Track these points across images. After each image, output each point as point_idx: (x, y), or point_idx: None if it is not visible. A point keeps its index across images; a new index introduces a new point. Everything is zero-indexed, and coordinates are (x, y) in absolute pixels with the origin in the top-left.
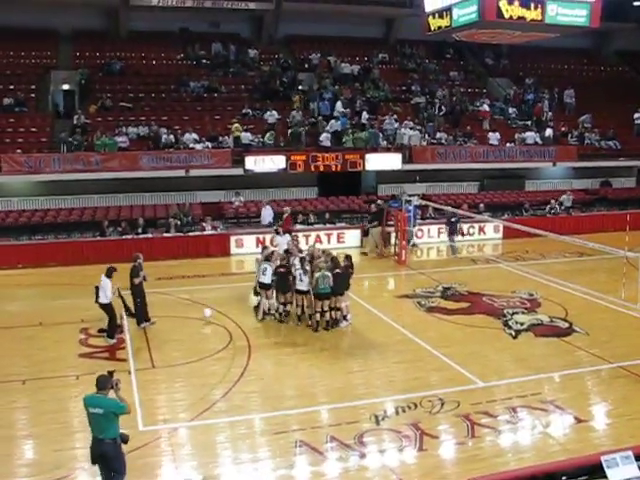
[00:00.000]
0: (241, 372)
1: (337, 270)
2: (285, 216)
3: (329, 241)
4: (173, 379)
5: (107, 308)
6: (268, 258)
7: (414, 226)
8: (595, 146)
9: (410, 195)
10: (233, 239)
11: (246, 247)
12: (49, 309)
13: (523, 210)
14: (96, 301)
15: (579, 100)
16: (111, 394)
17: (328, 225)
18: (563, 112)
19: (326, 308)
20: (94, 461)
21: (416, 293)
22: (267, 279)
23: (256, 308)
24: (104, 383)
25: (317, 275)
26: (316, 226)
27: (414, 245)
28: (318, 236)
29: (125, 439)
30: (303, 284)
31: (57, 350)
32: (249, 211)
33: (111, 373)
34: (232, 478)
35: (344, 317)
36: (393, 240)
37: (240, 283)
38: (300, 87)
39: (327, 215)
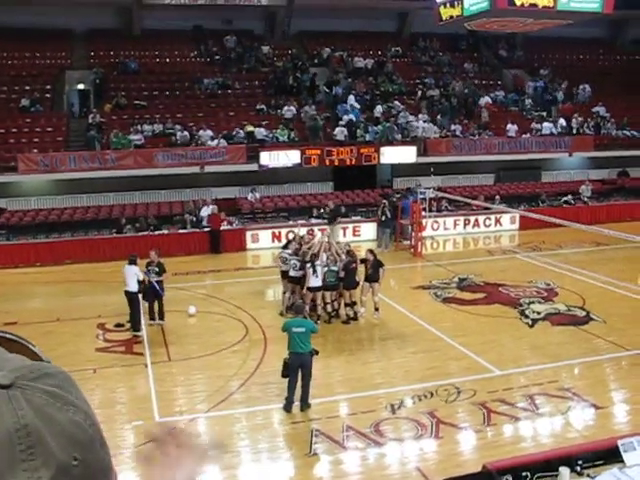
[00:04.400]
0: (257, 364)
1: (353, 264)
2: (210, 215)
3: (344, 234)
4: (189, 372)
5: (134, 297)
6: (297, 252)
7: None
8: (612, 136)
9: (426, 188)
10: (249, 234)
11: (262, 242)
12: (67, 305)
13: (539, 201)
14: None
15: (595, 90)
16: None
17: (343, 219)
18: (579, 102)
19: (333, 299)
20: (287, 373)
21: (432, 284)
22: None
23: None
24: (301, 308)
25: (325, 269)
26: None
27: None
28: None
29: (317, 352)
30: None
31: (75, 345)
32: (265, 206)
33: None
34: (249, 468)
35: (376, 309)
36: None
37: (256, 277)
38: (322, 85)
39: (342, 209)
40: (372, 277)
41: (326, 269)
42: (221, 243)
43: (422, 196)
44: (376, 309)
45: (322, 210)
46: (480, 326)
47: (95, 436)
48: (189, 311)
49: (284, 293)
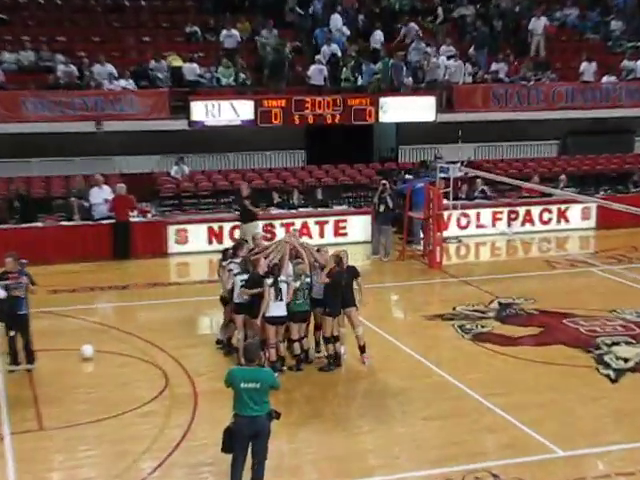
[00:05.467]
0: (182, 434)
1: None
2: (111, 199)
3: (322, 233)
4: (74, 446)
5: None
6: (247, 267)
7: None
8: None
9: (450, 162)
10: (172, 230)
11: (192, 242)
12: None
13: (631, 185)
14: None
15: None
16: None
17: (321, 209)
18: None
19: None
20: (232, 447)
21: (457, 312)
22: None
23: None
24: (255, 353)
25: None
26: (302, 210)
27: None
28: (305, 224)
29: (278, 415)
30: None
31: None
32: (198, 187)
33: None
34: None
35: (361, 348)
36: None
37: (182, 298)
38: None
39: (319, 193)
40: (345, 298)
41: (298, 283)
42: (129, 243)
43: (444, 175)
44: (361, 349)
45: (232, 198)
46: (532, 379)
47: None
48: (83, 352)
49: (229, 322)
